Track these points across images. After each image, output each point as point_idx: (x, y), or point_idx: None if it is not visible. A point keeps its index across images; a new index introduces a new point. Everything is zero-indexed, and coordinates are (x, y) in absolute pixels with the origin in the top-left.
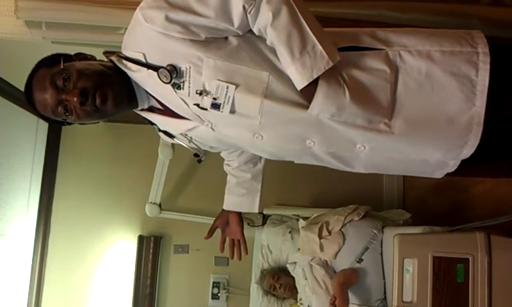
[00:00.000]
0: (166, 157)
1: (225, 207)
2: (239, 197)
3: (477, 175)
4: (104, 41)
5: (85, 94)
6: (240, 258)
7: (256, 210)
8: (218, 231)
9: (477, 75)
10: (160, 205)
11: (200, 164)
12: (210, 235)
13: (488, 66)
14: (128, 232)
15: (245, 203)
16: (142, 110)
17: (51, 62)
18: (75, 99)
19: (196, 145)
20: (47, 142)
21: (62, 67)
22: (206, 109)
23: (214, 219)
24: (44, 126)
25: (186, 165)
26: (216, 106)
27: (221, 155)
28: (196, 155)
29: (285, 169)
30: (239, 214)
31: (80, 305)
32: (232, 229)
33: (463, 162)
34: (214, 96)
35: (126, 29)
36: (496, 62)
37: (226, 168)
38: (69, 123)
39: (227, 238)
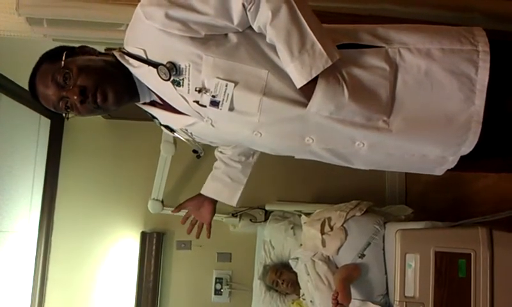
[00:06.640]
0: (168, 154)
1: (204, 192)
2: (222, 185)
3: (479, 170)
4: (106, 38)
5: (84, 93)
6: (198, 237)
7: (234, 204)
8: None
9: (476, 74)
10: (162, 202)
11: (202, 160)
12: (178, 210)
13: (488, 65)
14: (130, 228)
15: (226, 193)
16: (144, 103)
17: (54, 57)
18: (75, 97)
19: (195, 140)
20: (49, 139)
21: (63, 64)
22: (205, 106)
23: (192, 203)
24: (46, 123)
25: (188, 162)
26: (214, 104)
27: None
28: (194, 150)
29: (287, 165)
30: (214, 204)
31: (84, 301)
32: (202, 215)
33: (465, 157)
34: (213, 93)
35: (127, 25)
36: (497, 59)
37: (217, 154)
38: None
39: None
